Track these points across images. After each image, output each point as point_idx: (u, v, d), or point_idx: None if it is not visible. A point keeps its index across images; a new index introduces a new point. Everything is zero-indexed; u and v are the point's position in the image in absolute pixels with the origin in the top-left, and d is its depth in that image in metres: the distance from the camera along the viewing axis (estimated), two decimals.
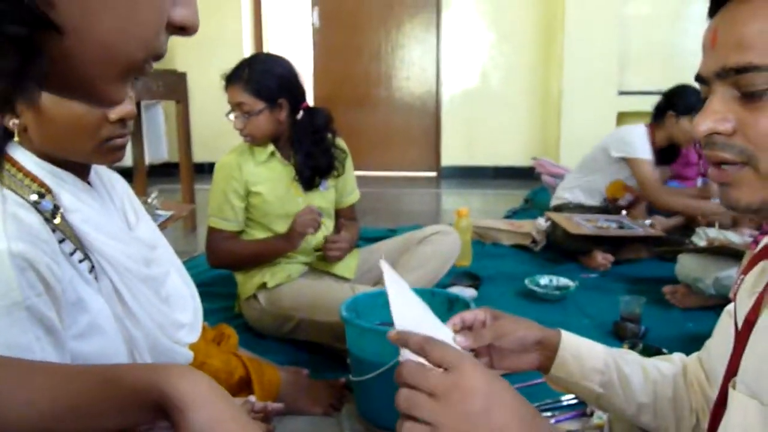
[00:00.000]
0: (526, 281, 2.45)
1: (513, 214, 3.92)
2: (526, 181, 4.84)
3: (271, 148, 1.95)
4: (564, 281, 2.47)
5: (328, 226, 2.08)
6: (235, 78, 1.90)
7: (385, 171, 5.94)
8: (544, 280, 2.48)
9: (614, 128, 4.77)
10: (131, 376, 0.65)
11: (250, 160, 1.94)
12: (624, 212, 2.87)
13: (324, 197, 2.06)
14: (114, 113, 0.94)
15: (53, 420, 0.64)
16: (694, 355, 0.99)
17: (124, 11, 0.35)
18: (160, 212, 1.39)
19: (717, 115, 0.65)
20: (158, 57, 0.40)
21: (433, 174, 5.85)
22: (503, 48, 5.45)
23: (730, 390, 0.70)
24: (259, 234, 1.97)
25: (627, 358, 0.95)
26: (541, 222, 3.06)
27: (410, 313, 0.79)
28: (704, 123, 0.66)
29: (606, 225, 2.82)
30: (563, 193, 3.24)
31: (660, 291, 2.37)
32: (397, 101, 5.90)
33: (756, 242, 1.96)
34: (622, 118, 4.87)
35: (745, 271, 0.80)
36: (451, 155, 5.70)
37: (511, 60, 5.45)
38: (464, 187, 5.29)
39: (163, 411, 0.61)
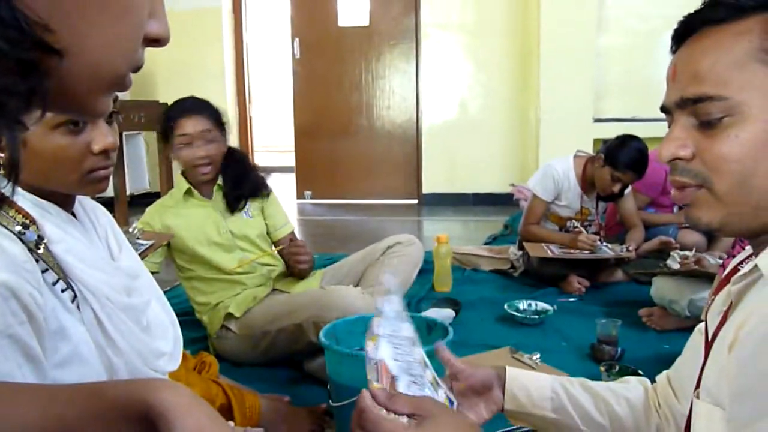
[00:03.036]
0: (506, 306, 2.48)
1: (493, 240, 3.98)
2: (506, 207, 4.90)
3: (185, 187, 2.05)
4: (542, 305, 2.50)
5: (262, 249, 2.14)
6: (197, 108, 1.99)
7: (367, 199, 5.99)
8: (522, 304, 2.51)
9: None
10: (115, 390, 0.67)
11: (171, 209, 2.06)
12: (598, 237, 2.90)
13: (249, 224, 2.12)
14: (97, 145, 0.96)
15: None
16: (663, 374, 1.03)
17: (110, 30, 0.39)
18: (140, 242, 1.41)
19: (678, 142, 0.70)
20: (138, 69, 0.43)
21: (415, 201, 5.91)
22: (481, 77, 5.56)
23: (694, 399, 0.74)
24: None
25: (573, 382, 0.99)
26: (514, 251, 3.11)
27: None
28: (667, 149, 0.71)
29: (575, 250, 2.86)
30: None
31: (636, 313, 2.41)
32: (378, 130, 5.98)
33: (723, 266, 2.02)
34: (598, 145, 4.97)
35: (715, 293, 0.85)
36: (432, 182, 5.76)
37: (489, 89, 5.56)
38: (445, 213, 5.34)
39: (148, 423, 0.63)
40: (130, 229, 1.50)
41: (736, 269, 0.76)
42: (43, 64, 0.36)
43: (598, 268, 2.94)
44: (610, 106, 5.03)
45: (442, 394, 0.91)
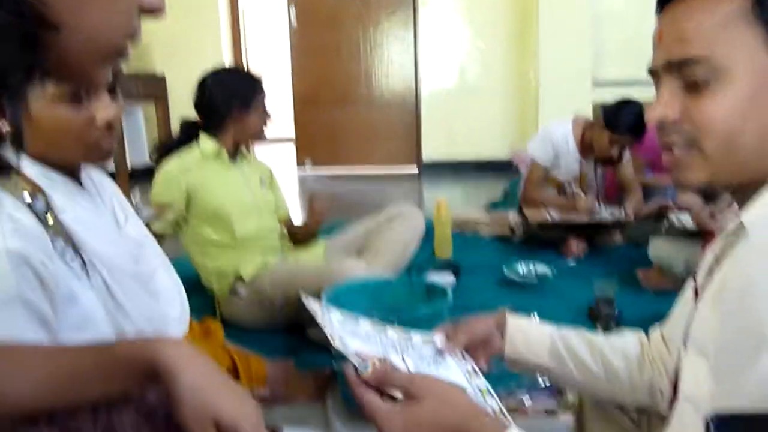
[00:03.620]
0: (505, 270, 2.52)
1: (493, 206, 4.00)
2: (507, 172, 4.91)
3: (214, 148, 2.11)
4: (541, 269, 2.54)
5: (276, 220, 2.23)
6: None
7: (368, 167, 6.00)
8: (522, 268, 2.55)
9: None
10: (121, 347, 0.71)
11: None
12: (596, 201, 2.94)
13: (266, 195, 2.22)
14: (100, 117, 0.98)
15: (52, 393, 0.69)
16: (656, 329, 1.06)
17: (104, 3, 0.41)
18: (144, 212, 1.43)
19: (666, 105, 0.72)
20: (134, 40, 0.45)
21: (415, 169, 5.92)
22: (479, 43, 5.53)
23: (682, 351, 0.77)
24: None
25: (572, 333, 1.02)
26: (513, 215, 3.14)
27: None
28: (654, 112, 0.73)
29: (574, 214, 2.89)
30: None
31: (634, 275, 2.45)
32: (377, 99, 5.96)
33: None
34: (598, 108, 4.96)
35: (704, 248, 0.87)
36: (432, 150, 5.76)
37: (487, 55, 5.52)
38: (445, 180, 5.36)
39: (153, 377, 0.67)
40: (134, 201, 1.53)
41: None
42: (42, 39, 0.38)
43: (597, 232, 2.97)
44: (609, 70, 5.00)
45: (439, 343, 0.95)
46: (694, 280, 0.86)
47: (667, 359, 0.98)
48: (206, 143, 2.07)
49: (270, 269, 2.07)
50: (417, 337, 0.97)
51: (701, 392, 0.70)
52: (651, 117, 0.73)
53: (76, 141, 0.98)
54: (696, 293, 0.83)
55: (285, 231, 2.28)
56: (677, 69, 0.70)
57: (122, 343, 0.73)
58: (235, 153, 2.14)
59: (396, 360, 0.85)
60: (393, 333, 0.95)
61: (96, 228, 0.98)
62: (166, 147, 2.15)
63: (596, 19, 4.94)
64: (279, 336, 2.02)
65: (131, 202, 1.56)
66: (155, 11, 0.45)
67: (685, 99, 0.71)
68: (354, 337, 0.86)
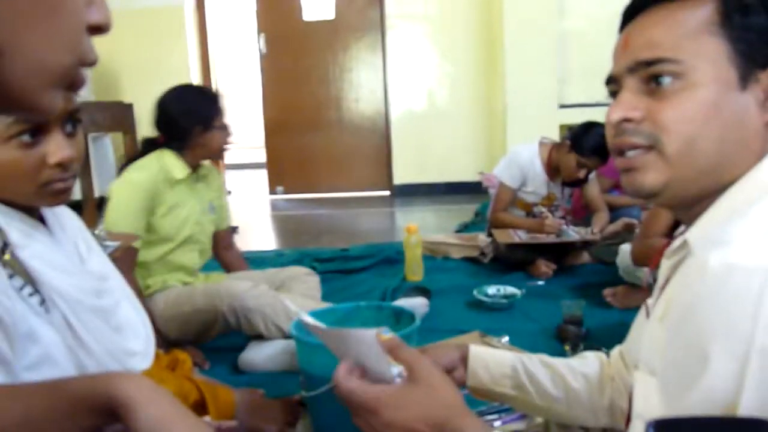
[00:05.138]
0: (475, 292, 2.53)
1: (464, 228, 4.03)
2: (477, 195, 4.97)
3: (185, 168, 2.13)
4: (511, 290, 2.56)
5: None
6: None
7: (339, 192, 6.02)
8: (491, 289, 2.57)
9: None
10: (77, 384, 0.70)
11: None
12: (564, 221, 2.98)
13: (212, 221, 2.25)
14: (53, 158, 0.95)
15: None
16: (616, 348, 1.08)
17: (47, 23, 0.38)
18: (107, 243, 1.42)
19: (628, 105, 0.74)
20: (88, 63, 0.43)
21: (387, 192, 5.95)
22: (447, 67, 5.62)
23: (634, 371, 0.79)
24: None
25: (534, 359, 1.04)
26: (483, 237, 3.17)
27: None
28: (616, 112, 0.74)
29: (542, 234, 2.93)
30: None
31: (601, 294, 2.48)
32: (348, 123, 6.00)
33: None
34: (563, 130, 5.05)
35: (653, 267, 0.90)
36: (403, 173, 5.81)
37: (455, 78, 5.61)
38: (417, 204, 5.39)
39: (111, 415, 0.66)
40: (96, 231, 1.51)
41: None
42: None
43: (564, 251, 3.01)
44: (574, 92, 5.11)
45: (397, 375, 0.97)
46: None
47: (626, 378, 1.00)
48: (168, 160, 2.07)
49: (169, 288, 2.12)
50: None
51: (651, 410, 0.72)
52: (613, 117, 0.74)
53: (26, 181, 0.95)
54: (647, 311, 0.85)
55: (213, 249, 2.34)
56: (644, 69, 0.72)
57: (78, 380, 0.72)
58: (195, 171, 2.16)
59: None
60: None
61: (55, 263, 0.97)
62: (129, 164, 2.14)
63: (561, 42, 5.05)
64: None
65: (94, 233, 1.55)
66: (102, 28, 0.43)
67: (648, 101, 0.73)
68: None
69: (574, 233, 2.95)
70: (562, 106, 5.08)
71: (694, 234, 0.72)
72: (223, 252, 2.39)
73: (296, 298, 2.06)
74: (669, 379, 0.66)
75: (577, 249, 3.05)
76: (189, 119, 2.06)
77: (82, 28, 0.41)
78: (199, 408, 1.46)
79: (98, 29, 0.43)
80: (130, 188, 2.01)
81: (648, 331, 0.79)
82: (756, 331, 0.56)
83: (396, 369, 0.95)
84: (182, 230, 2.10)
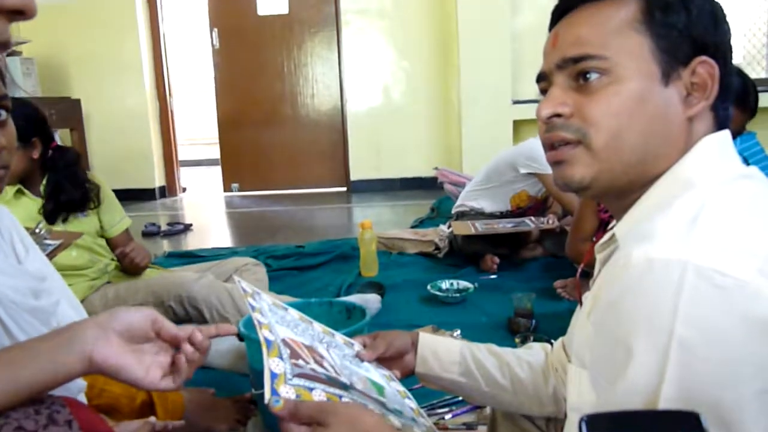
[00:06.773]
0: (428, 286, 2.55)
1: (420, 223, 4.05)
2: (432, 190, 5.00)
3: (16, 186, 2.00)
4: (464, 284, 2.58)
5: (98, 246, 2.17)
6: None
7: (295, 189, 5.99)
8: (445, 284, 2.59)
9: (512, 140, 5.04)
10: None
11: None
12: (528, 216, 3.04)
13: (83, 223, 2.11)
14: None
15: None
16: (559, 339, 1.11)
17: None
18: (48, 242, 1.38)
19: (558, 100, 0.76)
20: (4, 46, 0.41)
21: (343, 189, 5.94)
22: (403, 63, 5.63)
23: (568, 363, 0.81)
24: None
25: (481, 347, 1.06)
26: (444, 228, 3.19)
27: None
28: (546, 107, 0.76)
29: (500, 226, 2.96)
30: (467, 201, 3.35)
31: (552, 287, 2.52)
32: (304, 119, 5.97)
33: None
34: (517, 125, 5.13)
35: (585, 264, 0.92)
36: (360, 169, 5.81)
37: (411, 74, 5.63)
38: (373, 200, 5.40)
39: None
40: (37, 230, 1.47)
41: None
42: None
43: (520, 244, 3.06)
44: (528, 88, 5.18)
45: (358, 347, 0.99)
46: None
47: (567, 367, 1.03)
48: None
49: (97, 290, 2.09)
50: (339, 336, 1.00)
51: (584, 402, 0.74)
52: (543, 112, 0.76)
53: None
54: (581, 305, 0.87)
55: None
56: (572, 66, 0.75)
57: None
58: None
59: (322, 351, 0.87)
60: (318, 327, 0.98)
61: None
62: None
63: (514, 38, 5.12)
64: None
65: (35, 232, 1.51)
66: (25, 13, 0.41)
67: (576, 97, 0.75)
68: (282, 324, 0.87)
69: (530, 222, 2.99)
70: (516, 102, 5.15)
71: (622, 228, 0.74)
72: None
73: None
74: (597, 372, 0.68)
75: (533, 242, 3.10)
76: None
77: None
78: (147, 409, 1.44)
79: (20, 14, 0.41)
80: None
81: (578, 324, 0.81)
82: (675, 323, 0.57)
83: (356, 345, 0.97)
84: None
